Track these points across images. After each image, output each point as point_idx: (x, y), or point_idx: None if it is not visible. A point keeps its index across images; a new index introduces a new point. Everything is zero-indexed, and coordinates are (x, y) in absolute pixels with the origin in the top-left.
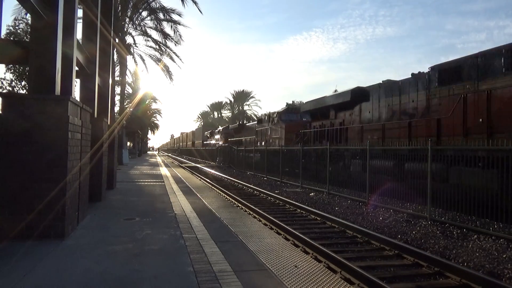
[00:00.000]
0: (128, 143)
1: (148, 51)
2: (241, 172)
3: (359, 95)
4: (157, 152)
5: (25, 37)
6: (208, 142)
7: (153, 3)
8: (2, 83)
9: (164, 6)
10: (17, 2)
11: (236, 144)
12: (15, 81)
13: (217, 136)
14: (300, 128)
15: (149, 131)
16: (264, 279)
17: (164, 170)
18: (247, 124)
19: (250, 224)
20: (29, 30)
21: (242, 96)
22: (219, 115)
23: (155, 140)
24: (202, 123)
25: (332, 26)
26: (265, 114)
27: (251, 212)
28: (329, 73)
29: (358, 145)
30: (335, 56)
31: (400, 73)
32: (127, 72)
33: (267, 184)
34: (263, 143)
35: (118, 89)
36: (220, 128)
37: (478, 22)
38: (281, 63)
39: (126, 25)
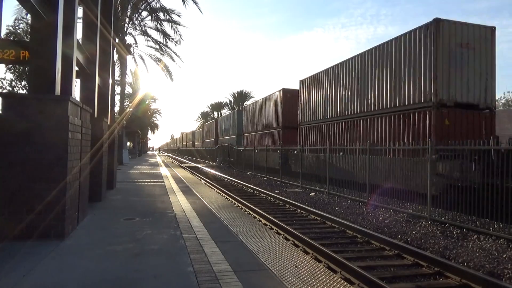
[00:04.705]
0: (128, 143)
1: (148, 51)
2: (241, 172)
3: None
4: (157, 152)
5: (25, 37)
6: None
7: (153, 3)
8: (2, 83)
9: (164, 7)
10: (17, 2)
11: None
12: (15, 81)
13: None
14: None
15: (149, 131)
16: (264, 279)
17: (164, 170)
18: None
19: (250, 224)
20: (29, 30)
21: (241, 96)
22: (219, 115)
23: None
24: (202, 122)
25: (334, 25)
26: None
27: (251, 212)
28: None
29: None
30: (336, 55)
31: None
32: (127, 72)
33: (267, 184)
34: None
35: (118, 89)
36: None
37: (481, 21)
38: (281, 63)
39: (126, 25)
